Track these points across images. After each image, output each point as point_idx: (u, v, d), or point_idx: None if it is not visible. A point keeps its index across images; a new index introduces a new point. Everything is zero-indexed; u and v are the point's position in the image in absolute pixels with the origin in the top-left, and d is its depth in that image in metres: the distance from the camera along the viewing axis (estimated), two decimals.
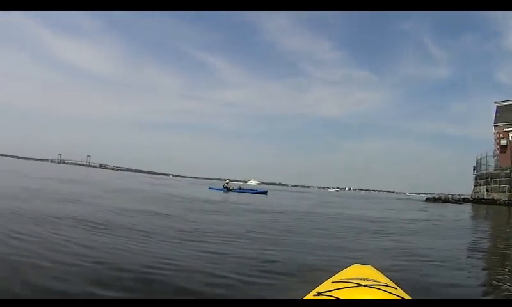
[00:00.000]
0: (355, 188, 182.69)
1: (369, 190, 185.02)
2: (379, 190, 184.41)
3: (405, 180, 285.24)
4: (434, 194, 45.53)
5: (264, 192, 30.71)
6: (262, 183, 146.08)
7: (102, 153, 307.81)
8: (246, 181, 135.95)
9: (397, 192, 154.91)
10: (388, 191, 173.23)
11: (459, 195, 35.92)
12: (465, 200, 34.00)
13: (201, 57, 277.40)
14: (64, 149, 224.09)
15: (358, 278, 2.02)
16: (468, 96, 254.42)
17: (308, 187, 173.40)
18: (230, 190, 29.25)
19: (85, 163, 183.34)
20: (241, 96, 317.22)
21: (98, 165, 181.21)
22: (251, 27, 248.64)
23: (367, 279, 2.01)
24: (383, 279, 2.18)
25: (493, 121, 31.55)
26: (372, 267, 2.50)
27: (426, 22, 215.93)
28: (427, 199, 36.89)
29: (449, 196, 35.87)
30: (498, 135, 30.29)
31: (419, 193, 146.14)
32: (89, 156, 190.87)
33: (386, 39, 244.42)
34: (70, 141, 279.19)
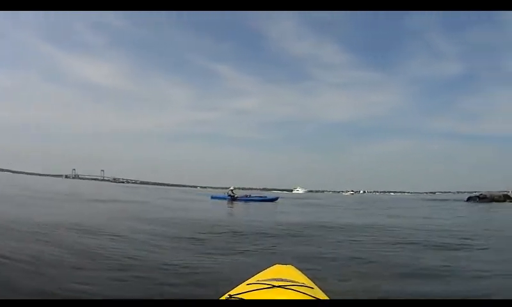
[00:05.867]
0: (369, 190, 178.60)
1: (384, 192, 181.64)
2: (394, 192, 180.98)
3: (420, 179, 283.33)
4: (473, 192, 43.05)
5: (274, 200, 28.57)
6: (310, 191, 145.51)
7: (115, 167, 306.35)
8: (291, 190, 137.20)
9: (411, 193, 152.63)
10: (403, 192, 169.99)
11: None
12: (507, 197, 31.71)
13: (211, 67, 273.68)
14: (78, 165, 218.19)
15: (276, 279, 1.98)
16: (480, 91, 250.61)
17: (323, 191, 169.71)
18: (236, 198, 26.89)
19: (99, 177, 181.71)
20: (253, 104, 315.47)
21: (112, 179, 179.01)
22: (257, 34, 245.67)
23: (285, 280, 1.96)
24: (301, 279, 2.13)
25: None
26: (292, 267, 2.42)
27: (432, 18, 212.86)
28: (469, 199, 33.60)
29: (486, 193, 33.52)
30: None
31: (435, 192, 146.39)
32: (103, 170, 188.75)
33: (393, 39, 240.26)
34: (83, 155, 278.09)
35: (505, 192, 33.23)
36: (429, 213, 19.62)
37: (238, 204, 22.97)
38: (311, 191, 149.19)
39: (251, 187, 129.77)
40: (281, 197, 34.59)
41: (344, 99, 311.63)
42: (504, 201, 30.20)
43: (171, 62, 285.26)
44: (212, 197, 30.04)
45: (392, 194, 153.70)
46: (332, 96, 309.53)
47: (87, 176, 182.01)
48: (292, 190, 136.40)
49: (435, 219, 14.83)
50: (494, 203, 28.81)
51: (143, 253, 5.81)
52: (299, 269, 2.36)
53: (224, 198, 27.79)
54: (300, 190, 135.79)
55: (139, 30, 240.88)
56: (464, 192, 64.69)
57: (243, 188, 77.03)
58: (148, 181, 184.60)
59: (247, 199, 27.21)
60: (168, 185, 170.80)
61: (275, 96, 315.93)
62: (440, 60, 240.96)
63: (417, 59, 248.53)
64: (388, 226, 11.38)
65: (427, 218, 15.30)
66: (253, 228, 9.52)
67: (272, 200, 28.24)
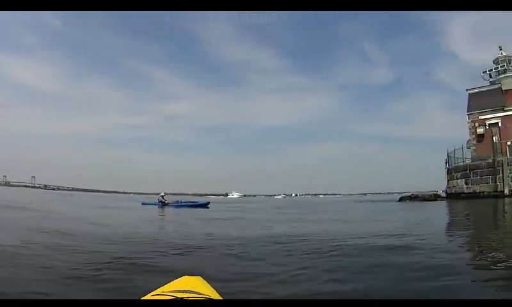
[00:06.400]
0: (302, 193, 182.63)
1: (315, 194, 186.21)
2: (325, 194, 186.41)
3: (352, 181, 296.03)
4: (403, 192, 44.51)
5: (205, 205, 27.49)
6: (245, 195, 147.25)
7: (46, 173, 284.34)
8: (226, 195, 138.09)
9: (343, 195, 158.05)
10: (335, 194, 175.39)
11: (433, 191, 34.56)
12: (437, 196, 32.81)
13: (145, 69, 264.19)
14: (9, 171, 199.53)
15: (181, 290, 1.98)
16: (409, 97, 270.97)
17: (255, 195, 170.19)
18: (166, 204, 26.18)
19: (30, 184, 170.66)
20: (188, 108, 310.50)
21: (43, 186, 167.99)
22: (193, 36, 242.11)
23: (190, 292, 1.97)
24: (208, 291, 2.11)
25: (465, 110, 29.82)
26: (201, 279, 2.36)
27: (365, 26, 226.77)
28: (402, 199, 34.62)
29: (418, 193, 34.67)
30: (473, 124, 28.59)
31: (366, 194, 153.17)
32: (34, 177, 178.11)
33: (327, 45, 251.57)
34: (14, 161, 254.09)
35: (435, 192, 34.36)
36: (364, 213, 19.71)
37: (168, 211, 22.06)
38: (246, 195, 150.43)
39: (186, 192, 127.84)
40: (216, 202, 34.47)
41: (278, 104, 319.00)
42: (435, 199, 31.12)
43: (104, 65, 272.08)
44: (143, 204, 28.86)
45: (321, 196, 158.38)
46: (267, 101, 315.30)
47: (18, 183, 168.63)
48: (227, 195, 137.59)
49: (371, 221, 14.61)
50: (425, 202, 29.48)
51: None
52: (208, 281, 2.30)
53: (155, 204, 26.81)
54: (235, 195, 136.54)
55: (72, 30, 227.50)
56: (395, 193, 67.43)
57: (179, 194, 75.15)
58: (81, 187, 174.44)
59: (178, 205, 26.40)
60: (100, 191, 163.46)
61: (210, 101, 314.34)
62: (372, 66, 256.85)
63: (350, 65, 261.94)
64: (317, 230, 10.53)
65: (364, 221, 15.00)
66: (172, 239, 8.38)
67: (203, 205, 27.35)
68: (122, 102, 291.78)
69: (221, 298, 2.05)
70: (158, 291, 2.04)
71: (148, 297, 1.94)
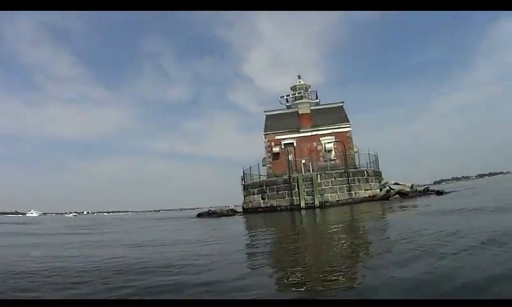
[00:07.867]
0: (93, 211, 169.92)
1: (108, 212, 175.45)
2: (117, 211, 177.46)
3: (145, 198, 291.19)
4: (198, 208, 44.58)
5: None
6: (45, 213, 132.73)
7: None
8: (24, 213, 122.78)
9: (136, 212, 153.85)
10: (127, 211, 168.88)
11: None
12: (234, 211, 33.54)
13: None
14: None
15: None
16: (206, 115, 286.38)
17: (45, 213, 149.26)
18: None
19: None
20: None
21: None
22: None
23: None
24: None
25: (262, 130, 31.47)
26: None
27: (166, 43, 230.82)
28: (200, 215, 34.13)
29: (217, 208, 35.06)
30: (269, 143, 30.45)
31: (159, 210, 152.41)
32: None
33: (127, 59, 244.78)
34: None
35: (231, 207, 35.24)
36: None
37: None
38: (47, 213, 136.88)
39: None
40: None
41: (71, 114, 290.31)
42: (233, 214, 31.63)
43: None
44: None
45: (106, 213, 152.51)
46: (59, 111, 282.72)
47: None
48: (25, 213, 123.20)
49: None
50: (224, 218, 29.49)
51: None
52: None
53: None
54: (34, 213, 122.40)
55: None
56: (188, 208, 68.03)
57: None
58: None
59: None
60: None
61: (3, 106, 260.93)
62: (170, 83, 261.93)
63: (147, 81, 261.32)
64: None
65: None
66: None
67: None
68: None
69: None
70: None
71: None
